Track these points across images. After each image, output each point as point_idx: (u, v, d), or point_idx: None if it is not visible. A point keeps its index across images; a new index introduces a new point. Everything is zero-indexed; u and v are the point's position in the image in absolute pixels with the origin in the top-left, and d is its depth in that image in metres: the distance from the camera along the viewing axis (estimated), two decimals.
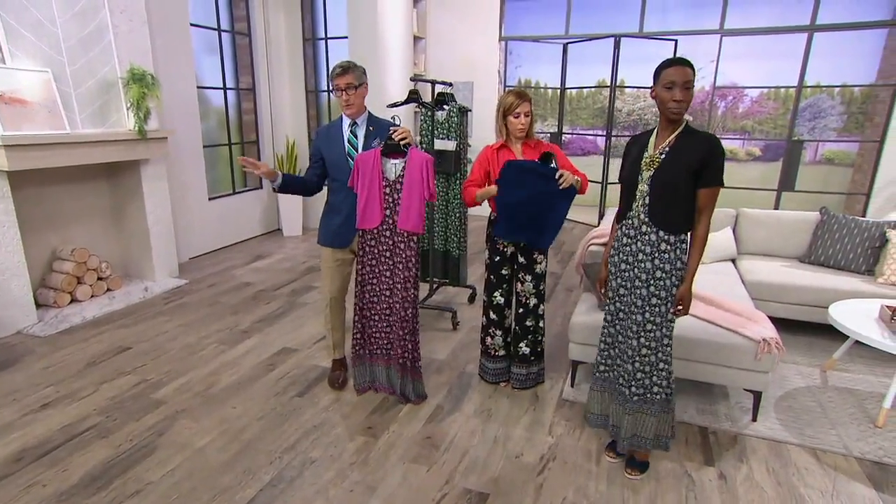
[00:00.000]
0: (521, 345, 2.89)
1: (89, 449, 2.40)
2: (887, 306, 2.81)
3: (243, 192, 6.15)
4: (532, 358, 2.91)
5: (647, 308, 2.07)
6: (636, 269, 2.09)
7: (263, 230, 6.47)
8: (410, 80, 3.63)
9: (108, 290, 4.32)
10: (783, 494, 2.17)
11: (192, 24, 5.13)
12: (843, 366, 3.23)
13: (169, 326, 3.73)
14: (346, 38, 6.12)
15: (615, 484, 2.22)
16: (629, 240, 2.11)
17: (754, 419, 2.66)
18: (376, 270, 2.68)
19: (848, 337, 3.12)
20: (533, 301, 2.82)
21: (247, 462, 2.32)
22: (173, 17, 4.86)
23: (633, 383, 2.16)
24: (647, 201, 2.02)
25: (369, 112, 2.76)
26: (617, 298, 2.19)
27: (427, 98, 3.99)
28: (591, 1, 7.01)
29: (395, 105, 3.53)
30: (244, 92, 6.15)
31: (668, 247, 2.02)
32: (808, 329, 3.65)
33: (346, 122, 2.71)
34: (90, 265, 4.17)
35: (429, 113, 3.75)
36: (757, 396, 2.65)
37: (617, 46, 6.40)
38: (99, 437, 2.49)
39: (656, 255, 2.04)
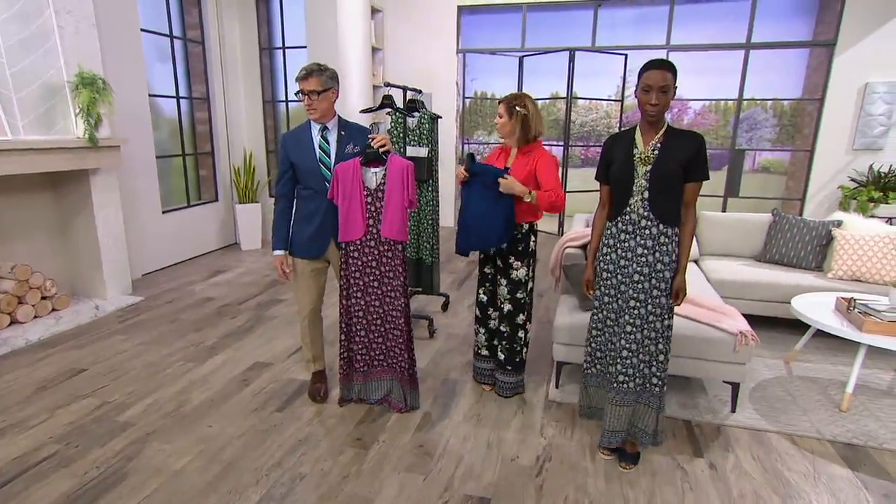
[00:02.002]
0: (498, 349, 2.87)
1: (49, 480, 2.18)
2: (843, 298, 3.00)
3: (198, 205, 5.88)
4: (508, 367, 2.84)
5: (650, 300, 2.12)
6: (635, 264, 2.13)
7: (220, 244, 6.20)
8: (384, 85, 3.59)
9: (54, 309, 3.99)
10: (771, 479, 2.25)
11: (142, 30, 4.90)
12: (803, 357, 3.41)
13: (127, 345, 3.47)
14: (304, 47, 6.02)
15: (613, 480, 2.23)
16: (627, 235, 2.14)
17: (733, 410, 2.76)
18: (361, 283, 2.59)
19: (806, 331, 3.31)
20: (508, 307, 2.77)
21: (231, 482, 2.17)
22: (123, 20, 4.62)
23: (636, 376, 2.19)
24: (646, 196, 2.07)
25: (339, 116, 2.65)
26: (618, 296, 2.20)
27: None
28: (545, 17, 7.22)
29: (369, 110, 3.49)
30: (198, 101, 5.91)
31: (667, 239, 2.09)
32: (768, 324, 3.84)
33: (316, 127, 2.58)
34: (33, 283, 3.85)
35: (400, 119, 3.72)
36: (735, 388, 2.75)
37: (572, 59, 6.62)
38: (59, 466, 2.27)
39: (657, 248, 2.09)
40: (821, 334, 3.36)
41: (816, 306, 3.08)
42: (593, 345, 2.34)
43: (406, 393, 2.70)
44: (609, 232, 2.21)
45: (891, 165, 6.22)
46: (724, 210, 7.02)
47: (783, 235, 4.04)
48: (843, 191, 6.38)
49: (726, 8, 6.81)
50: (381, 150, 2.44)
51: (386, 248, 2.54)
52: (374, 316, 2.64)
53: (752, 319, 3.77)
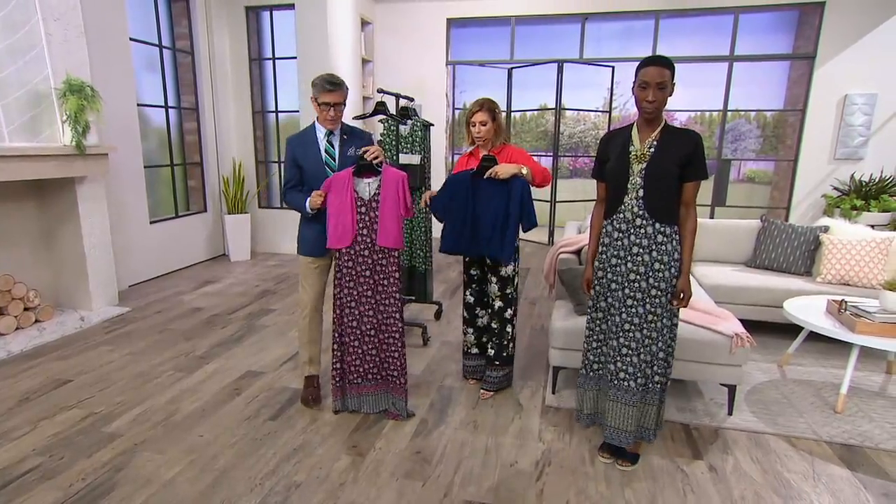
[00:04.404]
0: (488, 346, 2.92)
1: (33, 493, 2.10)
2: (833, 301, 3.03)
3: (186, 215, 5.80)
4: (497, 362, 2.91)
5: (647, 300, 2.11)
6: (629, 263, 2.12)
7: (209, 255, 6.11)
8: (378, 91, 3.60)
9: (37, 321, 3.89)
10: (771, 480, 2.24)
11: (131, 39, 4.86)
12: (796, 360, 3.43)
13: (114, 356, 3.39)
14: (294, 58, 6.03)
15: (614, 484, 2.20)
16: (621, 234, 2.13)
17: (730, 413, 2.76)
18: (355, 292, 2.57)
19: (797, 335, 3.33)
20: (498, 304, 2.84)
21: (225, 491, 2.11)
22: (112, 29, 4.59)
23: (638, 375, 2.17)
24: (640, 194, 2.06)
25: (342, 121, 2.75)
26: (609, 294, 2.19)
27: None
28: (533, 29, 7.32)
29: (362, 117, 3.49)
30: (187, 111, 5.86)
31: (665, 238, 2.07)
32: (760, 328, 3.85)
33: (322, 131, 2.66)
34: (15, 294, 3.75)
35: (393, 126, 3.72)
36: (731, 390, 2.74)
37: (560, 71, 6.70)
38: (43, 478, 2.19)
39: (654, 247, 2.08)
40: (811, 337, 3.39)
41: (808, 309, 3.11)
42: (590, 346, 2.32)
43: (396, 401, 2.67)
44: (605, 231, 2.20)
45: (871, 174, 6.36)
46: (710, 218, 7.10)
47: (772, 241, 4.09)
48: (827, 199, 6.50)
49: (710, 22, 6.97)
50: (374, 161, 2.46)
51: (380, 256, 2.53)
52: (368, 326, 2.60)
53: (743, 324, 3.78)
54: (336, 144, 2.66)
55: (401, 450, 2.42)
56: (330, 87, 2.51)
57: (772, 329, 3.82)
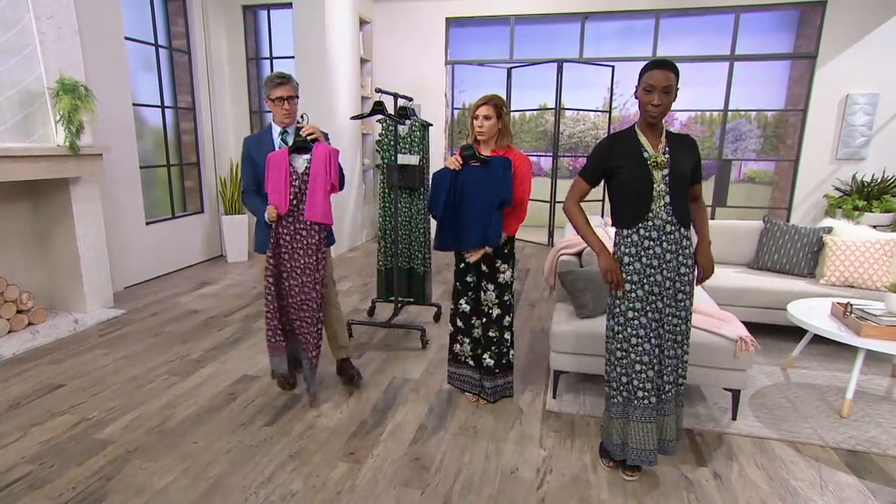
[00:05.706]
0: (485, 356, 2.80)
1: (20, 503, 2.05)
2: (838, 303, 2.98)
3: (183, 216, 5.75)
4: (497, 371, 2.80)
5: (678, 304, 2.09)
6: (665, 271, 2.06)
7: (206, 256, 6.06)
8: (376, 91, 3.55)
9: (30, 323, 3.84)
10: (777, 488, 2.19)
11: (127, 38, 4.81)
12: (800, 363, 3.38)
13: (108, 360, 3.33)
14: (292, 57, 5.98)
15: (617, 492, 2.15)
16: (651, 242, 2.05)
17: (734, 418, 2.71)
18: (286, 258, 2.67)
19: (802, 337, 3.29)
20: (496, 311, 2.74)
21: (219, 500, 2.05)
22: (107, 28, 4.54)
23: (679, 381, 2.16)
24: (667, 200, 2.02)
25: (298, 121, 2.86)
26: (647, 307, 2.07)
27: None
28: (532, 29, 7.27)
29: (359, 117, 3.43)
30: (183, 111, 5.81)
31: (687, 242, 2.08)
32: (762, 331, 3.80)
33: (276, 130, 2.76)
34: (8, 296, 3.70)
35: (391, 127, 3.67)
36: (735, 395, 2.70)
37: (560, 71, 6.66)
38: (32, 488, 2.13)
39: (679, 251, 2.06)
40: (815, 340, 3.35)
41: (812, 312, 3.07)
42: (633, 370, 2.11)
43: (308, 374, 2.75)
44: (630, 240, 2.08)
45: (873, 175, 6.32)
46: (712, 219, 7.05)
47: (775, 242, 4.04)
48: (829, 200, 6.46)
49: (710, 21, 6.92)
50: (308, 137, 2.56)
51: (302, 227, 2.62)
52: (297, 290, 2.70)
53: (745, 326, 3.74)
54: (289, 143, 2.70)
55: (399, 457, 2.37)
56: (280, 81, 2.63)
57: (775, 332, 3.77)
